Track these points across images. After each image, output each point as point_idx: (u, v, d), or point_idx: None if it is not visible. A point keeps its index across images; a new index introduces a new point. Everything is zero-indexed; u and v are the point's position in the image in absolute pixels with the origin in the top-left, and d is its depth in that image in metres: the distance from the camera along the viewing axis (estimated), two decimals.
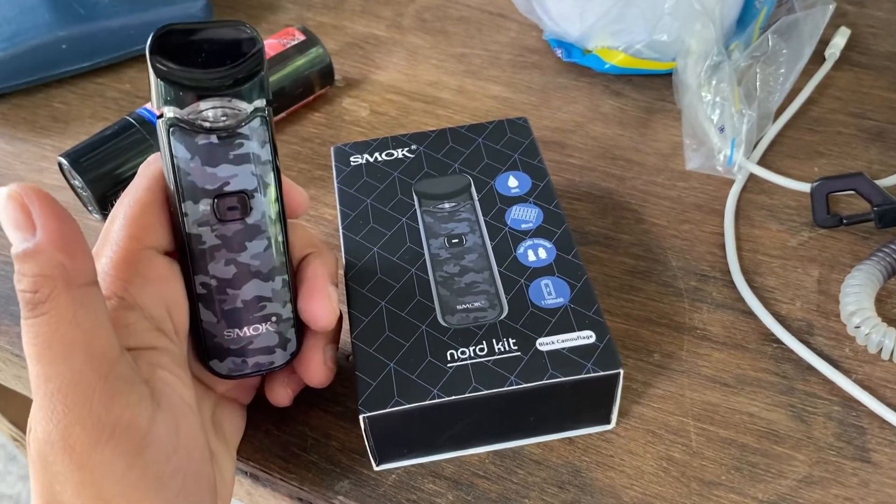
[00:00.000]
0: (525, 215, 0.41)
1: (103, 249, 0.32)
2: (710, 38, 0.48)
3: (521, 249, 0.39)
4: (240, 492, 0.42)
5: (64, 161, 0.47)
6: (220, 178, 0.32)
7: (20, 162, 0.55)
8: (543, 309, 0.37)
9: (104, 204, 0.48)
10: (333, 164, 0.45)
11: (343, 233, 0.41)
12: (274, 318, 0.34)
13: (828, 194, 0.45)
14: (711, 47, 0.48)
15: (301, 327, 0.36)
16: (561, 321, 0.36)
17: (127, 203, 0.32)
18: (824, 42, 0.56)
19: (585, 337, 0.35)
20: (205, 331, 0.34)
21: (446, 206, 0.42)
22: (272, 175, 0.33)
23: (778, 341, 0.41)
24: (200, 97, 0.31)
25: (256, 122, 0.32)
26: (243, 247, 0.33)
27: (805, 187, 0.47)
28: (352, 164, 0.44)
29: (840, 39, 0.56)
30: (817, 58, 0.55)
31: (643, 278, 0.44)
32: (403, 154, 0.45)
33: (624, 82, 0.56)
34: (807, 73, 0.54)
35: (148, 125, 0.49)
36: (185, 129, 0.31)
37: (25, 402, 0.69)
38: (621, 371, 0.35)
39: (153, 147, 0.48)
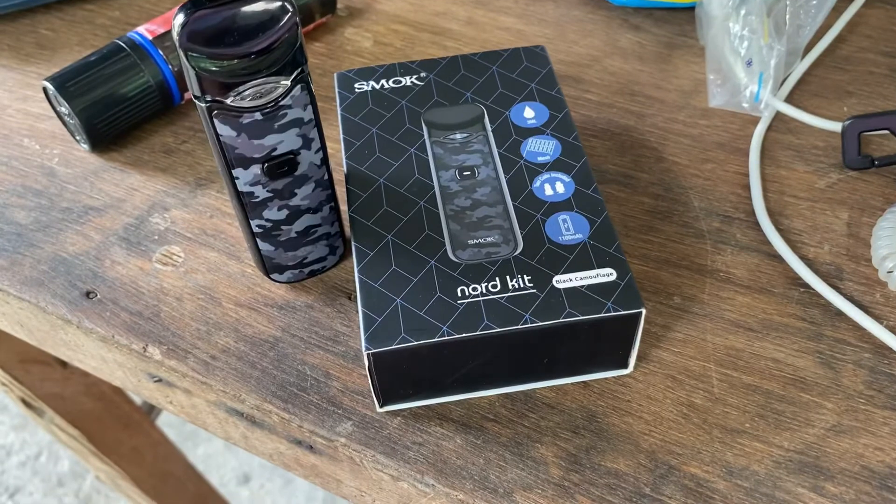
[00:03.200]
0: (542, 147, 0.38)
1: None
2: None
3: (537, 183, 0.37)
4: (235, 435, 0.40)
5: (49, 86, 0.44)
6: (267, 146, 0.33)
7: (4, 90, 0.52)
8: (561, 245, 0.34)
9: (93, 133, 0.45)
10: (336, 90, 0.42)
11: (347, 162, 0.38)
12: (324, 237, 0.38)
13: (860, 133, 0.42)
14: None
15: (344, 232, 0.39)
16: (579, 258, 0.34)
17: None
18: None
19: (606, 275, 0.33)
20: (264, 255, 0.38)
21: (458, 136, 0.39)
22: (315, 130, 0.34)
23: (805, 285, 0.38)
24: (240, 82, 0.31)
25: (298, 91, 0.32)
26: (293, 194, 0.36)
27: (835, 126, 0.44)
28: (356, 91, 0.42)
29: None
30: None
31: (663, 219, 0.42)
32: (412, 81, 0.42)
33: (644, 16, 0.53)
34: (837, 10, 0.51)
35: (139, 50, 0.46)
36: (227, 112, 0.31)
37: (16, 339, 0.67)
38: (643, 310, 0.32)
39: (144, 72, 0.46)
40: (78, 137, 0.47)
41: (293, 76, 0.32)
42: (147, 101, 0.46)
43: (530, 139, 0.39)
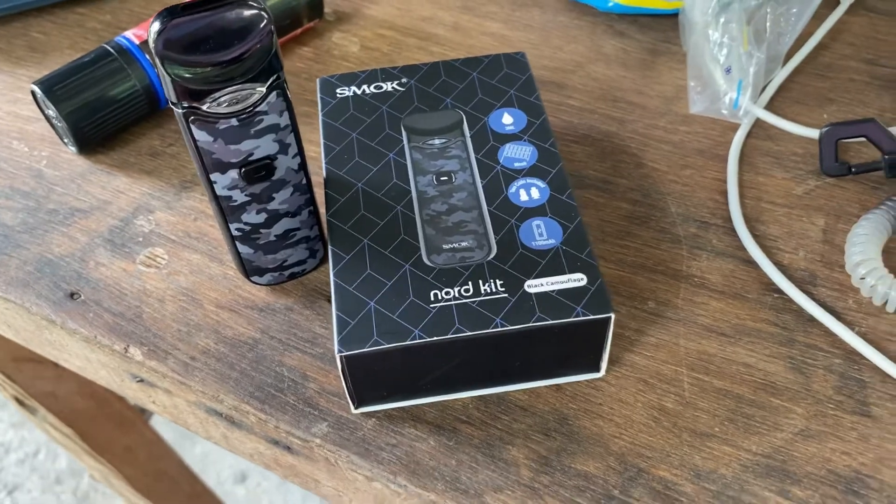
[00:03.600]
0: (519, 153, 0.39)
1: None
2: None
3: (513, 188, 0.37)
4: (216, 434, 0.40)
5: (37, 89, 0.45)
6: (244, 151, 0.34)
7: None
8: (534, 250, 0.35)
9: (80, 136, 0.46)
10: (319, 96, 0.42)
11: (326, 167, 0.39)
12: (304, 240, 0.39)
13: (837, 141, 0.43)
14: None
15: (323, 236, 0.40)
16: (551, 263, 0.34)
17: None
18: None
19: (576, 280, 0.34)
20: (244, 258, 0.38)
21: (436, 142, 0.40)
22: (292, 135, 0.35)
23: (779, 291, 0.39)
24: (215, 89, 0.31)
25: (273, 97, 0.33)
26: (271, 198, 0.36)
27: (813, 133, 0.45)
28: (338, 96, 0.42)
29: None
30: (831, 2, 0.53)
31: (640, 224, 0.42)
32: (393, 87, 0.42)
33: (628, 22, 0.54)
34: (818, 18, 0.52)
35: (126, 54, 0.46)
36: (203, 118, 0.32)
37: (5, 344, 0.68)
38: (612, 315, 0.33)
39: (131, 76, 0.46)
40: (66, 140, 0.47)
41: (269, 83, 0.32)
42: (133, 104, 0.47)
43: (508, 145, 0.39)
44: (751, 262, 0.40)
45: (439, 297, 0.33)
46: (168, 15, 0.29)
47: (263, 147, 0.34)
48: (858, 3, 0.54)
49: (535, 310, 0.33)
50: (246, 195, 0.35)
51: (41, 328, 0.42)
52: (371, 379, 0.34)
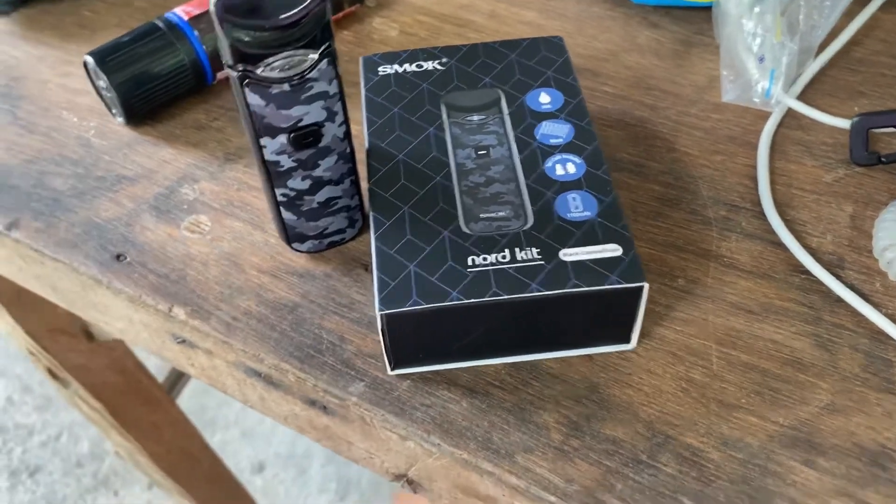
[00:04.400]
0: (555, 131, 0.40)
1: None
2: None
3: (549, 163, 0.38)
4: (253, 397, 0.42)
5: (90, 59, 0.47)
6: (294, 116, 0.35)
7: (46, 66, 0.54)
8: (569, 221, 0.36)
9: (128, 107, 0.48)
10: (361, 73, 0.44)
11: (369, 139, 0.40)
12: (344, 209, 0.40)
13: (868, 130, 0.44)
14: None
15: (363, 206, 0.41)
16: (587, 234, 0.35)
17: None
18: None
19: (611, 250, 0.35)
20: (287, 224, 0.40)
21: (475, 118, 0.41)
22: (339, 104, 0.36)
23: (806, 272, 0.40)
24: (270, 54, 0.33)
25: (324, 64, 0.34)
26: (317, 165, 0.37)
27: (843, 124, 0.45)
28: (380, 73, 0.43)
29: None
30: None
31: (671, 206, 0.43)
32: (433, 66, 0.44)
33: (662, 14, 0.55)
34: (851, 13, 0.52)
35: (176, 29, 0.48)
36: (258, 82, 0.33)
37: (46, 308, 0.70)
38: (646, 284, 0.34)
39: (180, 52, 0.48)
40: (114, 111, 0.49)
41: (321, 50, 0.34)
42: (181, 78, 0.48)
43: (544, 123, 0.40)
44: (779, 245, 0.41)
45: (476, 263, 0.35)
46: None
47: (312, 113, 0.35)
48: (891, 1, 0.55)
49: (570, 276, 0.34)
50: (293, 161, 0.37)
51: (87, 289, 0.43)
52: (409, 340, 0.35)
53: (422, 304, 0.33)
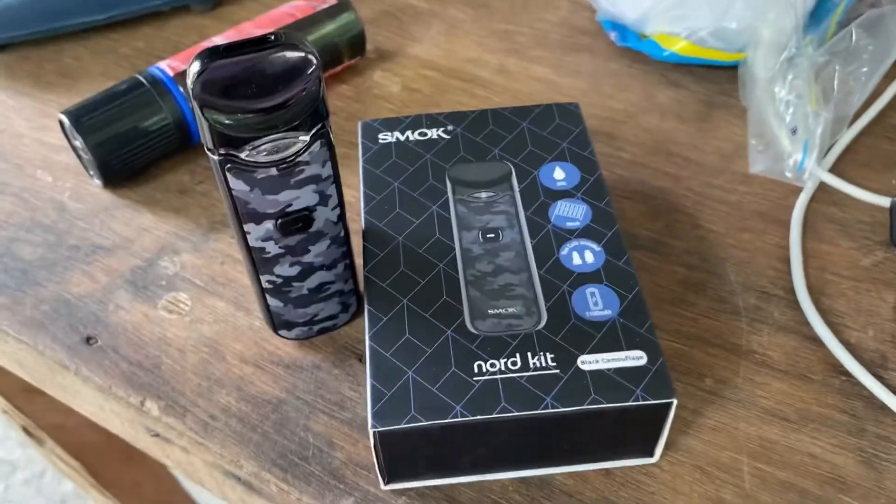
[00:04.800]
0: (571, 212, 0.36)
1: None
2: (786, 27, 0.43)
3: (564, 251, 0.35)
4: (233, 497, 0.38)
5: (65, 119, 0.43)
6: (282, 202, 0.31)
7: (22, 118, 0.51)
8: (588, 321, 0.32)
9: (106, 169, 0.44)
10: (360, 140, 0.40)
11: (365, 217, 0.37)
12: (337, 294, 0.36)
13: None
14: (788, 38, 0.43)
15: (358, 288, 0.37)
16: (608, 337, 0.31)
17: None
18: None
19: (635, 358, 0.31)
20: (273, 312, 0.36)
21: (482, 195, 0.37)
22: (333, 186, 0.32)
23: (847, 373, 0.36)
24: (256, 137, 0.29)
25: (317, 147, 0.30)
26: (307, 250, 0.34)
27: (883, 201, 0.42)
28: (380, 141, 0.40)
29: None
30: None
31: (697, 291, 0.39)
32: (438, 134, 0.40)
33: (683, 72, 0.51)
34: (889, 76, 0.49)
35: (159, 86, 0.44)
36: (241, 167, 0.29)
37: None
38: (674, 401, 0.30)
39: (164, 110, 0.44)
40: (91, 172, 0.45)
41: (313, 132, 0.30)
42: (164, 139, 0.45)
43: (559, 202, 0.37)
44: (815, 340, 0.37)
45: (484, 370, 0.31)
46: (209, 56, 0.27)
47: (303, 198, 0.32)
48: None
49: (589, 390, 0.30)
50: (280, 247, 0.33)
51: (54, 372, 0.39)
52: (405, 455, 0.31)
53: (421, 421, 0.29)
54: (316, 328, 0.37)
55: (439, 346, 0.32)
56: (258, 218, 0.31)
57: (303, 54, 0.28)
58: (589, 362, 0.31)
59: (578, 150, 0.39)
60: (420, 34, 0.55)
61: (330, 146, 0.31)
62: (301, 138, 0.30)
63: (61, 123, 0.44)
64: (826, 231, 0.42)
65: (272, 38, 0.28)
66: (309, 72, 0.28)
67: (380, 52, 0.54)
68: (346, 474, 0.33)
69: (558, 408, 0.30)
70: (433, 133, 0.40)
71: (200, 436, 0.35)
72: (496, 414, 0.29)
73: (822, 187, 0.44)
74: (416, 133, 0.40)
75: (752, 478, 0.33)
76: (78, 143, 0.44)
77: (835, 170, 0.45)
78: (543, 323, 0.32)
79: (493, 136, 0.40)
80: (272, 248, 0.33)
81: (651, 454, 0.33)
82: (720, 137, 0.47)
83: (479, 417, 0.29)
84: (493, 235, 0.35)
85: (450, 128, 0.40)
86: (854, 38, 0.45)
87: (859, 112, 0.47)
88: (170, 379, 0.37)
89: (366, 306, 0.33)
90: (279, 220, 0.32)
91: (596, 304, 0.33)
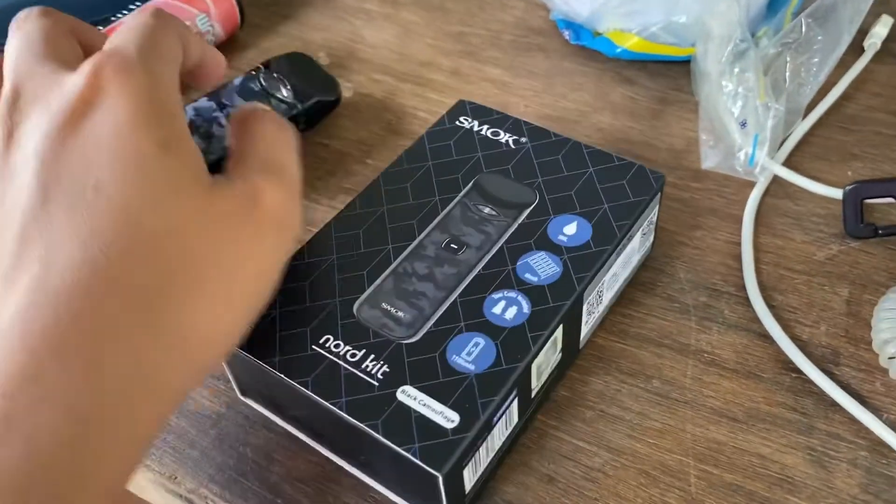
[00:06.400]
0: (541, 268, 0.33)
1: None
2: (733, 20, 0.42)
3: (497, 295, 0.32)
4: None
5: None
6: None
7: None
8: (447, 364, 0.30)
9: None
10: (445, 114, 0.41)
11: (382, 173, 0.38)
12: None
13: (863, 200, 0.39)
14: (735, 31, 0.42)
15: None
16: (446, 386, 0.29)
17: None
18: (863, 32, 0.50)
19: (448, 418, 0.28)
20: None
21: (485, 210, 0.36)
22: None
23: (798, 371, 0.35)
24: None
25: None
26: None
27: (836, 193, 0.41)
28: (456, 123, 0.40)
29: (881, 29, 0.50)
30: (855, 49, 0.49)
31: (645, 290, 0.39)
32: (507, 140, 0.39)
33: (637, 69, 0.51)
34: (842, 66, 0.48)
35: None
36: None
37: None
38: (440, 476, 0.27)
39: None
40: None
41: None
42: None
43: (539, 254, 0.34)
44: (766, 337, 0.36)
45: (328, 345, 0.31)
46: None
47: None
48: (885, 51, 0.50)
49: (381, 414, 0.29)
50: None
51: None
52: (248, 376, 0.34)
53: (244, 353, 0.31)
54: None
55: (318, 306, 0.32)
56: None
57: None
58: (408, 394, 0.29)
59: (613, 219, 0.35)
60: (373, 38, 0.55)
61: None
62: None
63: None
64: (779, 225, 0.41)
65: None
66: None
67: (333, 58, 0.53)
68: (286, 489, 0.33)
69: (342, 412, 0.29)
70: (504, 137, 0.39)
71: None
72: (296, 382, 0.30)
73: (777, 181, 0.43)
74: (490, 131, 0.40)
75: (699, 481, 0.32)
76: None
77: (789, 163, 0.44)
78: (412, 341, 0.31)
79: (551, 166, 0.38)
80: None
81: None
82: (673, 134, 0.46)
83: (282, 377, 0.30)
84: (455, 247, 0.34)
85: (523, 140, 0.39)
86: (804, 28, 0.44)
87: (813, 103, 0.46)
88: None
89: (307, 245, 0.35)
90: None
91: (470, 354, 0.30)
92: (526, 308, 0.32)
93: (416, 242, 0.35)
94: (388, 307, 0.32)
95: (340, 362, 0.30)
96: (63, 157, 0.24)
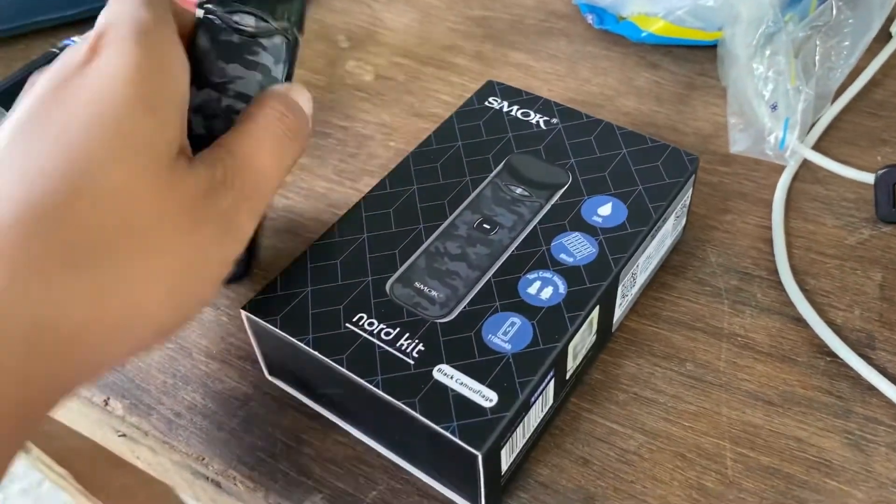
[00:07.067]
0: (577, 250, 0.33)
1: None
2: (764, 2, 0.42)
3: (532, 275, 0.32)
4: (204, 497, 0.37)
5: None
6: (228, 75, 0.32)
7: None
8: (484, 344, 0.30)
9: None
10: (474, 95, 0.40)
11: (411, 153, 0.38)
12: None
13: (895, 184, 0.39)
14: (766, 13, 0.41)
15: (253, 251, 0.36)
16: (482, 365, 0.29)
17: None
18: (890, 18, 0.49)
19: (486, 397, 0.28)
20: None
21: (517, 190, 0.35)
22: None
23: (832, 354, 0.35)
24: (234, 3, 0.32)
25: (277, 40, 0.32)
26: None
27: (868, 178, 0.40)
28: (485, 103, 0.40)
29: None
30: (884, 35, 0.49)
31: (676, 274, 0.38)
32: (538, 121, 0.38)
33: (662, 53, 0.50)
34: (869, 52, 0.48)
35: None
36: (213, 23, 0.32)
37: None
38: (480, 455, 0.27)
39: None
40: None
41: (280, 23, 0.32)
42: None
43: (575, 234, 0.33)
44: (800, 321, 0.36)
45: (361, 323, 0.31)
46: None
47: (247, 81, 0.32)
48: None
49: (418, 392, 0.28)
50: (204, 128, 0.33)
51: None
52: (277, 355, 0.33)
53: (278, 330, 0.31)
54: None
55: (351, 285, 0.32)
56: (200, 81, 0.32)
57: None
58: (444, 373, 0.29)
59: (648, 200, 0.35)
60: (394, 22, 0.54)
61: (289, 55, 0.32)
62: (270, 22, 0.32)
63: None
64: (810, 210, 0.41)
65: None
66: None
67: (353, 41, 0.53)
68: (315, 470, 0.32)
69: (378, 391, 0.28)
70: (535, 118, 0.39)
71: (165, 435, 0.34)
72: (331, 360, 0.29)
73: (806, 165, 0.43)
74: (520, 111, 0.39)
75: (735, 463, 0.32)
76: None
77: (818, 147, 0.44)
78: (446, 320, 0.31)
79: (583, 147, 0.37)
80: (198, 128, 0.33)
81: (476, 502, 0.30)
82: (700, 118, 0.46)
83: (316, 354, 0.30)
84: (488, 227, 0.34)
85: (554, 121, 0.38)
86: (835, 11, 0.43)
87: (842, 88, 0.46)
88: (134, 377, 0.36)
89: (337, 222, 0.35)
90: (220, 97, 0.32)
91: (506, 334, 0.30)
92: (562, 288, 0.31)
93: (447, 222, 0.34)
94: (421, 286, 0.32)
95: (375, 340, 0.30)
96: (47, 104, 0.25)
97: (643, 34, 0.49)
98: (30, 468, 1.43)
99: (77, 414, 0.38)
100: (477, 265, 0.32)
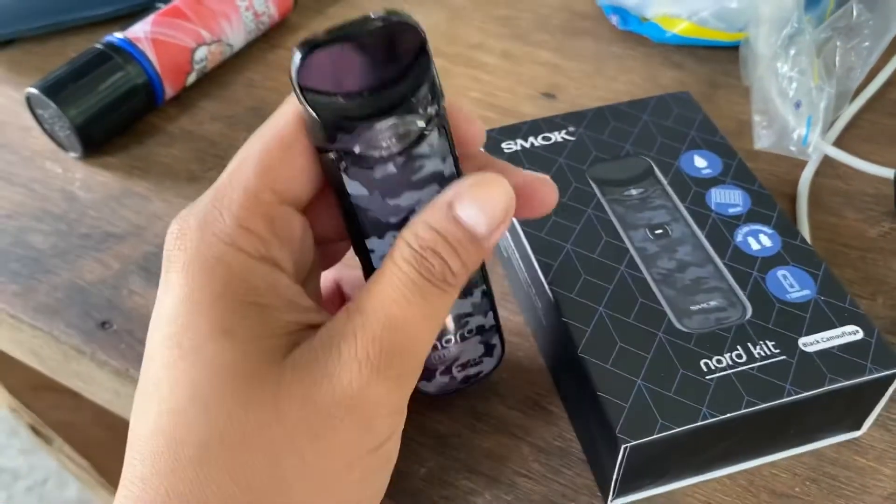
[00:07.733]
0: (729, 198, 0.36)
1: (227, 197, 0.25)
2: (787, 4, 0.43)
3: (739, 237, 0.35)
4: None
5: (35, 92, 0.45)
6: (404, 207, 0.27)
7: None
8: (791, 304, 0.32)
9: (86, 138, 0.46)
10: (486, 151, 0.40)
11: (523, 230, 0.35)
12: (477, 330, 0.31)
13: None
14: (790, 14, 0.43)
15: (502, 331, 0.32)
16: (816, 316, 0.32)
17: (263, 143, 0.26)
18: None
19: (851, 333, 0.31)
20: None
21: (633, 192, 0.37)
22: None
23: None
24: (367, 125, 0.25)
25: (435, 136, 0.26)
26: None
27: (887, 172, 0.42)
28: (505, 151, 0.39)
29: None
30: None
31: None
32: (562, 137, 0.39)
33: (685, 54, 0.52)
34: (889, 52, 0.49)
35: (123, 53, 0.47)
36: (357, 163, 0.26)
37: (25, 371, 0.66)
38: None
39: (132, 74, 0.47)
40: (67, 145, 0.47)
41: (427, 113, 0.26)
42: (135, 103, 0.48)
43: (713, 190, 0.37)
44: None
45: (712, 367, 0.30)
46: (308, 43, 0.24)
47: (426, 202, 0.26)
48: None
49: (823, 371, 0.30)
50: None
51: (69, 358, 0.40)
52: (642, 466, 0.30)
53: (672, 429, 0.28)
54: (458, 376, 0.32)
55: (657, 350, 0.31)
56: (381, 229, 0.27)
57: (407, 25, 0.25)
58: (810, 344, 0.31)
59: (708, 136, 0.39)
60: (422, 21, 0.55)
61: (448, 136, 0.27)
62: (418, 123, 0.26)
63: (28, 100, 0.46)
64: (831, 203, 0.42)
65: (371, 16, 0.24)
66: (417, 40, 0.25)
67: None
68: None
69: (800, 393, 0.29)
70: (556, 136, 0.39)
71: None
72: (744, 409, 0.29)
73: (827, 161, 0.44)
74: (540, 138, 0.39)
75: None
76: (47, 114, 0.46)
77: (838, 144, 0.45)
78: (750, 312, 0.32)
79: (618, 133, 0.39)
80: None
81: (859, 427, 0.33)
82: (724, 117, 0.47)
83: (728, 416, 0.29)
84: (661, 231, 0.35)
85: (571, 129, 0.40)
86: (855, 13, 0.45)
87: (861, 87, 0.47)
88: None
89: (562, 319, 0.32)
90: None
91: (791, 285, 0.33)
92: (765, 228, 0.35)
93: (633, 251, 0.34)
94: (698, 306, 0.32)
95: (741, 368, 0.30)
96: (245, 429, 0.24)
97: (667, 35, 0.51)
98: (34, 467, 1.44)
99: (128, 399, 0.39)
100: (700, 261, 0.34)
